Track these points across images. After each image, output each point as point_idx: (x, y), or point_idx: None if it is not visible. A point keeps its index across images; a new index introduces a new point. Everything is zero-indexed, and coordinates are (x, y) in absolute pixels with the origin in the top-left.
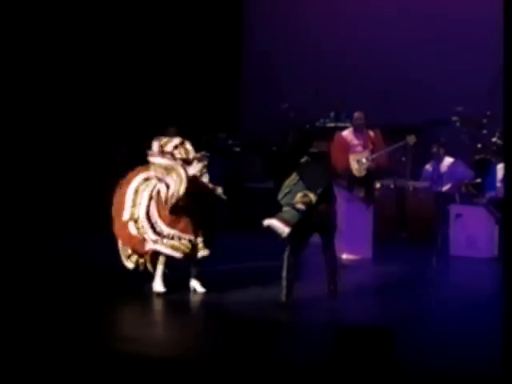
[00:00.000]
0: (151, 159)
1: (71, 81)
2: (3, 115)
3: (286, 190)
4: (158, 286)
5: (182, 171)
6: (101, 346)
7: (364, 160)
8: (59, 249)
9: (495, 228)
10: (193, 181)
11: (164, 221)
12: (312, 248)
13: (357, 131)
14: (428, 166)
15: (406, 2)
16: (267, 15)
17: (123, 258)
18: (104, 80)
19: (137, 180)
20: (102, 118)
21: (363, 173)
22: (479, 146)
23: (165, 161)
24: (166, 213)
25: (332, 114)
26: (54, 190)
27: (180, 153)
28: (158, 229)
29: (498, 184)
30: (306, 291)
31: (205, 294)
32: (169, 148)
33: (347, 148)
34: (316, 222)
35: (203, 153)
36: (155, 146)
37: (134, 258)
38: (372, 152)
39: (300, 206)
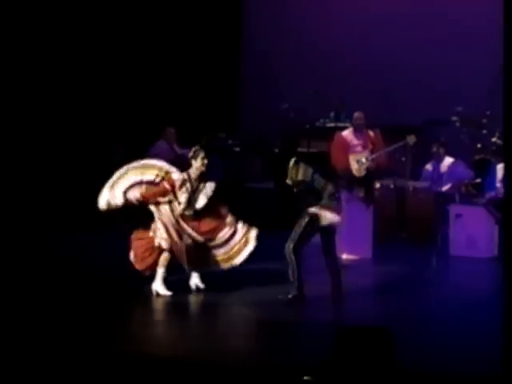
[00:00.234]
0: None
1: (70, 81)
2: (3, 116)
3: (308, 179)
4: (159, 287)
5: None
6: (101, 345)
7: (364, 160)
8: (59, 249)
9: (495, 228)
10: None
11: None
12: (312, 248)
13: (357, 131)
14: (428, 166)
15: (406, 2)
16: (267, 15)
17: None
18: (103, 80)
19: None
20: (102, 118)
21: (363, 173)
22: (479, 146)
23: None
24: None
25: (332, 114)
26: (54, 190)
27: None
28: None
29: (498, 184)
30: (306, 291)
31: (205, 294)
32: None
33: (347, 148)
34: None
35: (194, 148)
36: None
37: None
38: (372, 152)
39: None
